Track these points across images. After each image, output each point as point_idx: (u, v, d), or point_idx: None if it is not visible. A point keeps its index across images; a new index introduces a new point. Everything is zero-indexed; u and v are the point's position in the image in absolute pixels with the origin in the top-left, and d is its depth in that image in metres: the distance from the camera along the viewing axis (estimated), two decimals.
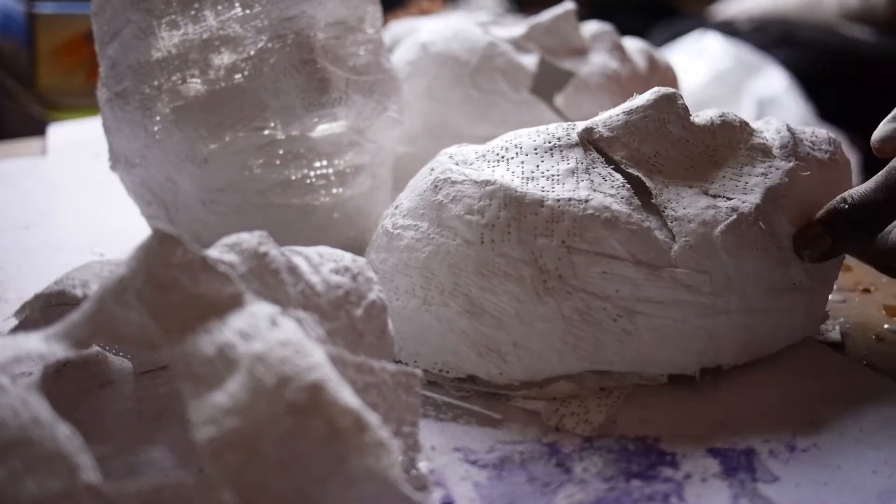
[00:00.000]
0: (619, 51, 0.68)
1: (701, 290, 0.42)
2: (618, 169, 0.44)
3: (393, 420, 0.34)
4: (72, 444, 0.27)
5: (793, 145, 0.46)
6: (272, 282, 0.35)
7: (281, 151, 0.51)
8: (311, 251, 0.38)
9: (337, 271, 0.37)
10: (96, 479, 0.27)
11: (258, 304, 0.32)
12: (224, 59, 0.50)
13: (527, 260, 0.41)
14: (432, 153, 0.50)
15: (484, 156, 0.46)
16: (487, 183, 0.43)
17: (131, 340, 0.31)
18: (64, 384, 0.40)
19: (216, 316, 0.31)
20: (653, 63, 0.70)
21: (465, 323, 0.42)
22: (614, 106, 0.48)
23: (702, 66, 1.36)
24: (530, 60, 0.65)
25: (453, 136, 0.62)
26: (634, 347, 0.42)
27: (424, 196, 0.45)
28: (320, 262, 0.37)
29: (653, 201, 0.43)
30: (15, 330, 0.39)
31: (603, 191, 0.43)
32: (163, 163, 0.51)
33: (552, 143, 0.45)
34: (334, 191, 0.53)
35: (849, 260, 0.61)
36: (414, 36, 0.68)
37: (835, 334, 0.50)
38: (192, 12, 0.50)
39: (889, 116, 0.46)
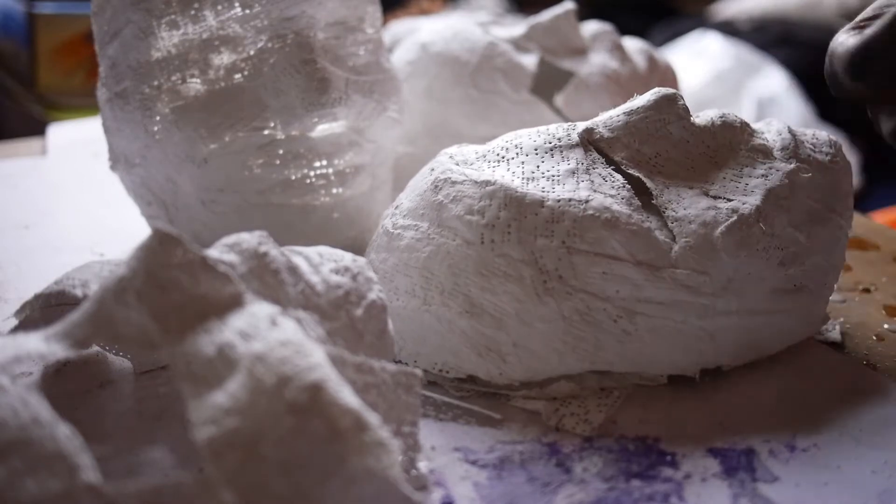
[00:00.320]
0: (619, 51, 0.68)
1: (701, 291, 0.42)
2: (618, 169, 0.44)
3: (393, 420, 0.34)
4: (72, 444, 0.27)
5: (794, 147, 0.46)
6: (272, 282, 0.35)
7: (281, 151, 0.51)
8: (311, 251, 0.38)
9: (337, 271, 0.37)
10: (96, 479, 0.27)
11: (258, 304, 0.32)
12: (224, 59, 0.50)
13: (527, 260, 0.41)
14: (432, 153, 0.50)
15: (484, 156, 0.46)
16: (488, 183, 0.43)
17: (131, 340, 0.31)
18: (64, 384, 0.40)
19: (216, 316, 0.31)
20: (653, 63, 0.70)
21: (465, 323, 0.42)
22: (614, 106, 0.48)
23: (702, 66, 1.36)
24: (530, 60, 0.65)
25: (453, 136, 0.62)
26: (634, 348, 0.42)
27: (425, 196, 0.45)
28: (320, 262, 0.37)
29: (653, 202, 0.43)
30: (15, 330, 0.39)
31: (603, 191, 0.43)
32: (163, 163, 0.51)
33: (553, 144, 0.45)
34: (334, 191, 0.53)
35: (849, 260, 0.61)
36: (414, 36, 0.68)
37: (835, 334, 0.50)
38: (192, 12, 0.50)
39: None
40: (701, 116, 0.47)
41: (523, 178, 0.43)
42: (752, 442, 0.40)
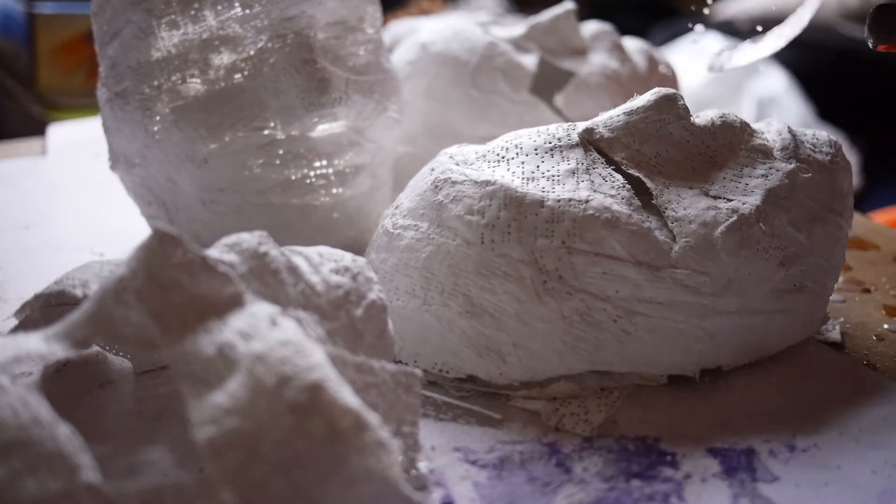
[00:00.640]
0: (619, 51, 0.68)
1: (701, 291, 0.42)
2: (618, 170, 0.44)
3: (393, 420, 0.34)
4: (72, 444, 0.27)
5: (794, 147, 0.46)
6: (272, 282, 0.35)
7: (281, 151, 0.51)
8: (311, 251, 0.38)
9: (337, 271, 0.37)
10: (96, 479, 0.27)
11: (258, 304, 0.32)
12: (224, 59, 0.50)
13: (527, 260, 0.41)
14: (432, 153, 0.50)
15: (484, 156, 0.46)
16: (488, 183, 0.43)
17: (131, 340, 0.31)
18: (64, 384, 0.40)
19: (216, 316, 0.31)
20: (652, 63, 0.70)
21: (465, 323, 0.42)
22: (614, 106, 0.48)
23: (702, 67, 1.36)
24: (530, 60, 0.65)
25: (453, 136, 0.62)
26: (634, 348, 0.42)
27: (425, 196, 0.45)
28: (320, 262, 0.37)
29: (653, 202, 0.43)
30: (15, 330, 0.39)
31: (603, 191, 0.43)
32: (163, 163, 0.51)
33: (553, 144, 0.45)
34: (334, 191, 0.53)
35: (849, 260, 0.61)
36: (414, 36, 0.68)
37: (835, 334, 0.50)
38: (192, 12, 0.50)
39: None
40: (701, 116, 0.47)
41: (523, 178, 0.43)
42: (752, 442, 0.40)
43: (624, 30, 0.74)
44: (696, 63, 1.38)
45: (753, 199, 0.44)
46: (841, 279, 0.57)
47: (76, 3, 1.13)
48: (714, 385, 0.44)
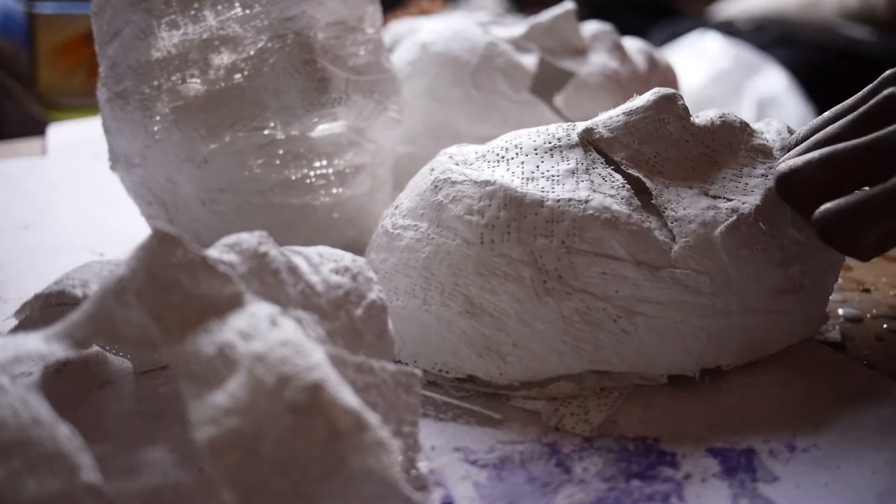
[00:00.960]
0: (619, 51, 0.68)
1: (701, 291, 0.42)
2: (618, 169, 0.44)
3: (393, 420, 0.34)
4: (72, 444, 0.27)
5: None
6: (272, 282, 0.35)
7: (281, 151, 0.51)
8: (311, 251, 0.38)
9: (337, 271, 0.37)
10: (96, 479, 0.27)
11: (258, 304, 0.32)
12: (224, 59, 0.50)
13: (526, 260, 0.41)
14: (432, 153, 0.50)
15: (484, 156, 0.46)
16: (487, 183, 0.43)
17: (131, 340, 0.31)
18: (64, 384, 0.40)
19: (216, 316, 0.31)
20: (653, 63, 0.70)
21: (465, 323, 0.42)
22: (614, 106, 0.48)
23: (702, 67, 1.36)
24: (530, 60, 0.65)
25: (453, 136, 0.62)
26: (634, 348, 0.42)
27: (424, 196, 0.45)
28: (320, 262, 0.37)
29: (653, 202, 0.43)
30: (15, 330, 0.39)
31: (603, 191, 0.43)
32: (163, 163, 0.51)
33: (552, 144, 0.45)
34: (334, 191, 0.53)
35: (849, 260, 0.61)
36: (414, 36, 0.68)
37: (835, 334, 0.50)
38: (192, 12, 0.50)
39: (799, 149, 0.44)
40: (700, 116, 0.47)
41: (523, 178, 0.43)
42: (752, 442, 0.40)
43: (624, 30, 0.74)
44: (696, 63, 1.38)
45: (753, 199, 0.44)
46: (841, 279, 0.57)
47: (76, 3, 1.13)
48: (714, 385, 0.44)
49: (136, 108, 0.50)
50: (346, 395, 0.29)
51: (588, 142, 0.45)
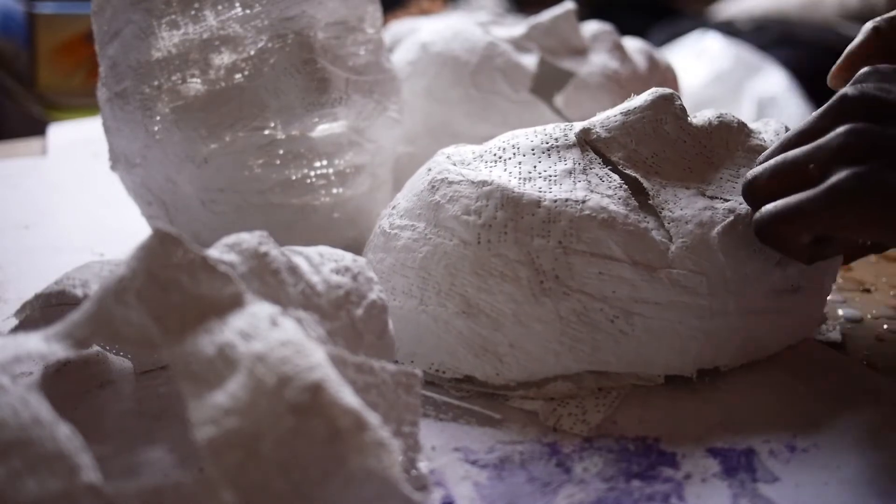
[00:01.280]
0: (620, 51, 0.68)
1: (698, 292, 0.42)
2: (615, 170, 0.44)
3: (393, 420, 0.34)
4: (72, 444, 0.27)
5: None
6: (272, 282, 0.35)
7: (281, 151, 0.51)
8: (312, 251, 0.38)
9: (337, 271, 0.37)
10: (96, 479, 0.27)
11: (258, 304, 0.32)
12: (224, 58, 0.50)
13: (523, 260, 0.41)
14: (432, 153, 0.50)
15: (481, 156, 0.46)
16: (484, 183, 0.43)
17: (131, 340, 0.31)
18: (64, 384, 0.40)
19: (216, 316, 0.31)
20: (653, 63, 0.70)
21: (462, 323, 0.42)
22: (614, 106, 0.48)
23: (702, 67, 1.36)
24: (530, 60, 0.65)
25: (453, 136, 0.62)
26: (631, 348, 0.41)
27: (421, 196, 0.45)
28: (321, 262, 0.37)
29: (650, 202, 0.43)
30: (15, 330, 0.39)
31: (600, 191, 0.43)
32: (163, 163, 0.51)
33: (550, 144, 0.45)
34: (334, 191, 0.53)
35: None
36: (414, 36, 0.68)
37: (835, 334, 0.50)
38: (193, 12, 0.50)
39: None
40: (698, 117, 0.47)
41: (520, 179, 0.43)
42: (752, 442, 0.40)
43: (624, 30, 0.74)
44: (696, 63, 1.38)
45: None
46: (841, 279, 0.57)
47: (76, 3, 1.13)
48: (714, 385, 0.44)
49: (136, 107, 0.50)
50: (347, 396, 0.29)
51: (585, 142, 0.45)
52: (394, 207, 0.47)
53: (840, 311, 0.53)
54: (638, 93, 0.48)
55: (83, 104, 1.08)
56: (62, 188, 0.72)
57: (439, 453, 0.38)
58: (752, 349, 0.44)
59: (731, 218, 0.43)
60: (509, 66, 0.64)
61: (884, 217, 0.38)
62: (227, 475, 0.27)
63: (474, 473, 0.37)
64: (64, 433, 0.28)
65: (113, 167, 0.54)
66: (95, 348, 0.43)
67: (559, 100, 0.65)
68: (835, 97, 0.41)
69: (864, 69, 0.42)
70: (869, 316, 0.53)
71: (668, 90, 0.47)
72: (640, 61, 0.69)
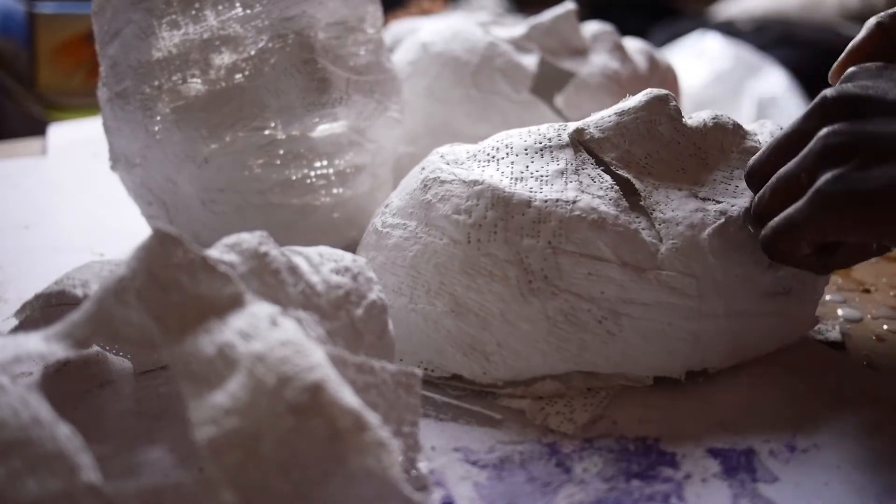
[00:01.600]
0: (620, 51, 0.68)
1: (687, 293, 0.41)
2: (608, 170, 0.44)
3: (393, 420, 0.34)
4: (72, 444, 0.27)
5: None
6: (272, 282, 0.35)
7: (281, 151, 0.51)
8: (312, 251, 0.38)
9: (337, 271, 0.37)
10: (96, 479, 0.27)
11: (258, 304, 0.32)
12: (224, 59, 0.50)
13: (512, 260, 0.41)
14: None
15: (475, 155, 0.46)
16: (476, 183, 0.43)
17: (131, 340, 0.31)
18: (64, 384, 0.40)
19: (216, 316, 0.31)
20: (653, 63, 0.70)
21: (450, 322, 0.42)
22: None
23: (702, 67, 1.36)
24: (530, 60, 0.65)
25: (453, 136, 0.62)
26: (619, 349, 0.41)
27: (414, 195, 0.45)
28: (320, 262, 0.37)
29: (642, 203, 0.43)
30: (15, 330, 0.39)
31: (591, 192, 0.43)
32: (163, 163, 0.51)
33: (543, 144, 0.45)
34: (334, 191, 0.53)
35: None
36: (414, 36, 0.68)
37: (835, 334, 0.50)
38: (193, 12, 0.50)
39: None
40: (693, 118, 0.47)
41: (512, 178, 0.43)
42: (752, 442, 0.40)
43: (624, 30, 0.74)
44: (696, 63, 1.38)
45: (743, 202, 0.44)
46: (841, 279, 0.57)
47: (76, 3, 1.13)
48: (714, 385, 0.44)
49: (136, 107, 0.50)
50: (347, 396, 0.29)
51: (579, 142, 0.45)
52: (387, 206, 0.47)
53: (840, 311, 0.53)
54: (636, 93, 0.47)
55: (83, 104, 1.08)
56: (62, 188, 0.72)
57: (439, 453, 0.38)
58: (742, 351, 0.44)
59: (723, 220, 0.43)
60: (510, 66, 0.64)
61: (865, 216, 0.38)
62: (227, 475, 0.27)
63: (474, 473, 0.37)
64: (64, 433, 0.28)
65: (113, 167, 0.54)
66: (95, 348, 0.43)
67: (559, 100, 0.65)
68: (816, 98, 0.41)
69: (852, 68, 0.42)
70: (869, 316, 0.53)
71: (662, 91, 0.46)
72: (640, 61, 0.69)
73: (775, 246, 0.41)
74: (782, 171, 0.41)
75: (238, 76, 0.49)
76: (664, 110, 0.46)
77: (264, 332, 0.30)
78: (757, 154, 0.44)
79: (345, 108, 0.52)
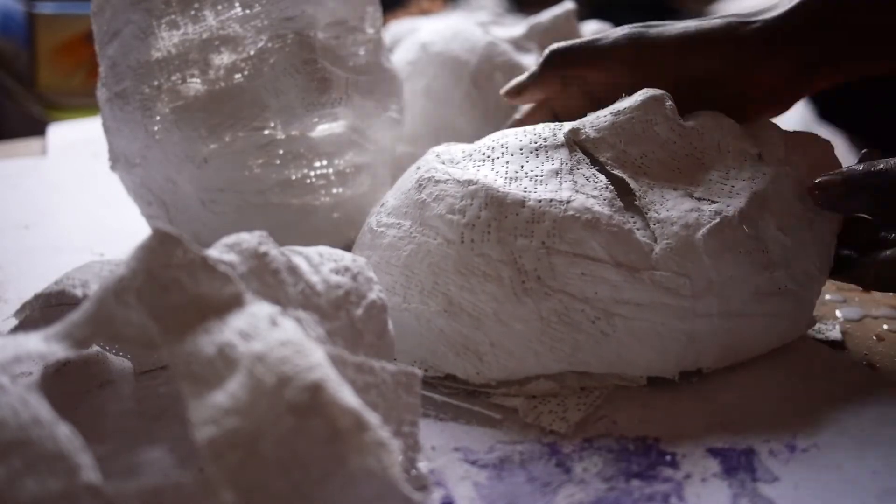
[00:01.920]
0: None
1: (681, 293, 0.41)
2: (603, 170, 0.44)
3: (393, 420, 0.34)
4: (72, 444, 0.27)
5: (783, 149, 0.46)
6: (272, 282, 0.35)
7: (281, 151, 0.51)
8: (311, 251, 0.38)
9: (337, 271, 0.37)
10: (96, 479, 0.27)
11: (258, 304, 0.32)
12: (224, 59, 0.50)
13: (506, 260, 0.41)
14: None
15: (470, 155, 0.46)
16: (470, 182, 0.43)
17: (131, 340, 0.31)
18: (64, 384, 0.40)
19: (216, 316, 0.31)
20: None
21: (444, 322, 0.42)
22: None
23: None
24: (530, 60, 0.65)
25: (453, 136, 0.62)
26: (612, 349, 0.41)
27: (408, 195, 0.45)
28: (320, 262, 0.37)
29: (636, 203, 0.43)
30: (15, 330, 0.39)
31: (586, 192, 0.42)
32: (163, 163, 0.51)
33: (538, 144, 0.45)
34: (334, 191, 0.53)
35: None
36: (414, 36, 0.68)
37: (835, 333, 0.50)
38: (192, 12, 0.50)
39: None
40: (690, 118, 0.47)
41: (506, 178, 0.43)
42: (752, 442, 0.40)
43: None
44: None
45: (738, 202, 0.44)
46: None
47: (76, 3, 1.13)
48: (714, 385, 0.44)
49: (136, 108, 0.50)
50: (347, 395, 0.29)
51: (574, 142, 0.45)
52: (382, 205, 0.47)
53: (839, 311, 0.53)
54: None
55: (83, 104, 1.08)
56: (62, 188, 0.72)
57: (439, 453, 0.38)
58: (736, 351, 0.44)
59: (718, 220, 0.42)
60: (509, 66, 0.64)
61: None
62: (227, 475, 0.27)
63: (474, 473, 0.37)
64: (64, 433, 0.28)
65: (113, 167, 0.54)
66: (95, 348, 0.43)
67: None
68: None
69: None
70: (869, 316, 0.53)
71: (658, 91, 0.46)
72: None
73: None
74: None
75: (238, 76, 0.49)
76: (660, 110, 0.46)
77: (264, 332, 0.30)
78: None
79: (344, 108, 0.52)
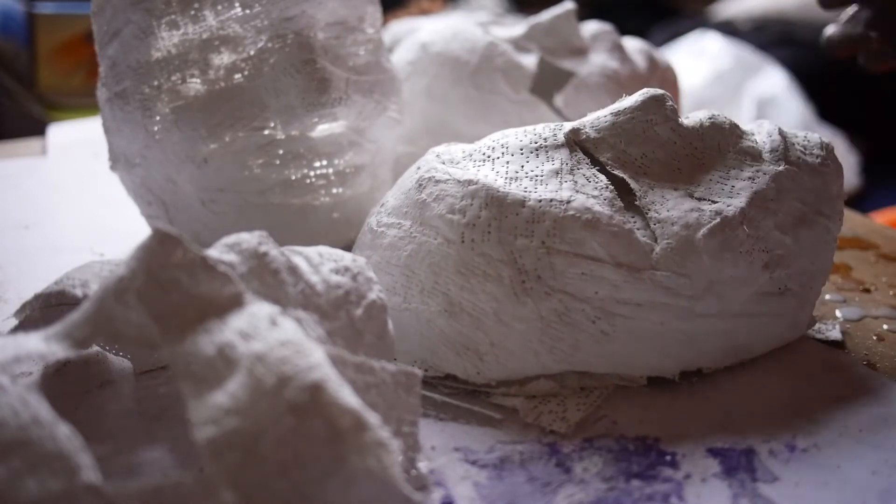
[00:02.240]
0: (619, 51, 0.68)
1: (681, 293, 0.41)
2: (603, 170, 0.44)
3: (393, 420, 0.34)
4: (72, 444, 0.27)
5: (783, 149, 0.46)
6: (272, 282, 0.35)
7: (281, 151, 0.51)
8: (311, 251, 0.38)
9: (337, 271, 0.37)
10: (96, 479, 0.27)
11: (258, 304, 0.32)
12: (224, 59, 0.50)
13: (506, 260, 0.41)
14: None
15: (471, 155, 0.46)
16: (470, 182, 0.43)
17: (131, 340, 0.31)
18: (64, 384, 0.40)
19: (216, 316, 0.31)
20: (653, 63, 0.70)
21: (444, 322, 0.42)
22: None
23: (702, 67, 1.36)
24: (530, 60, 0.65)
25: (453, 136, 0.62)
26: (612, 349, 0.41)
27: (409, 194, 0.45)
28: (320, 262, 0.37)
29: (637, 203, 0.43)
30: (15, 330, 0.39)
31: (586, 192, 0.42)
32: (163, 163, 0.51)
33: (538, 144, 0.45)
34: (334, 191, 0.53)
35: (849, 260, 0.61)
36: (414, 36, 0.68)
37: (835, 333, 0.50)
38: (192, 12, 0.50)
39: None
40: (690, 117, 0.47)
41: (506, 178, 0.43)
42: (752, 442, 0.40)
43: (624, 30, 0.74)
44: (696, 63, 1.38)
45: (738, 202, 0.44)
46: (841, 279, 0.57)
47: (76, 3, 1.13)
48: (714, 385, 0.44)
49: (136, 108, 0.50)
50: (346, 395, 0.29)
51: (574, 142, 0.45)
52: (382, 205, 0.47)
53: (839, 311, 0.53)
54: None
55: (83, 104, 1.08)
56: (62, 188, 0.72)
57: (439, 453, 0.38)
58: (736, 351, 0.44)
59: (718, 220, 0.42)
60: (509, 66, 0.64)
61: None
62: (227, 475, 0.27)
63: (474, 473, 0.37)
64: (64, 433, 0.28)
65: (113, 167, 0.54)
66: (95, 348, 0.43)
67: (559, 100, 0.65)
68: None
69: None
70: (869, 316, 0.53)
71: (659, 91, 0.46)
72: (639, 61, 0.69)
73: None
74: None
75: (237, 76, 0.49)
76: (660, 110, 0.46)
77: (264, 332, 0.30)
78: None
79: (344, 108, 0.52)
